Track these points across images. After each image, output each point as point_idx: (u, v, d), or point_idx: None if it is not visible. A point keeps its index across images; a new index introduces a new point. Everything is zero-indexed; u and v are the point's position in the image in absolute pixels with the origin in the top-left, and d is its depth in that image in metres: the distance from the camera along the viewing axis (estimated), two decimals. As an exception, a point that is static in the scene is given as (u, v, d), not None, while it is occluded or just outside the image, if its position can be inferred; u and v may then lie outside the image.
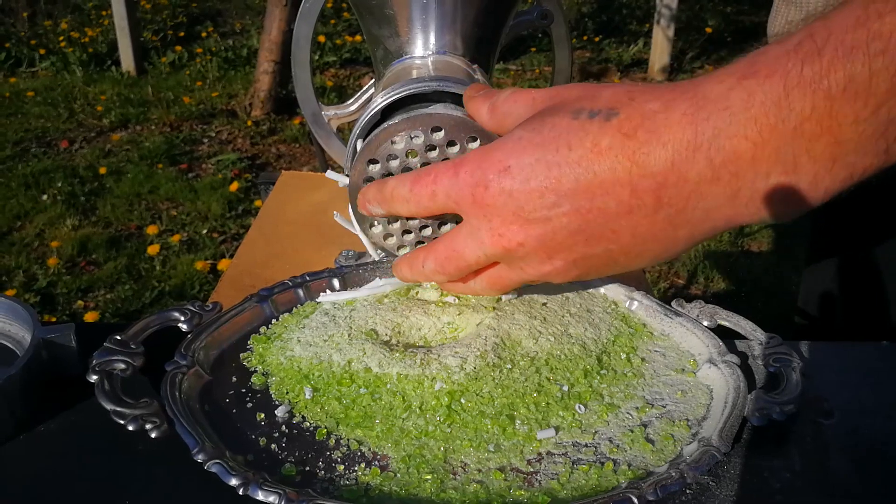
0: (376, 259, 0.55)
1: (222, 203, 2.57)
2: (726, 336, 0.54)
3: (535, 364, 0.49)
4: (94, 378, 0.47)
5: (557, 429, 0.46)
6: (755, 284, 2.04)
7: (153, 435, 0.43)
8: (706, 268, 2.11)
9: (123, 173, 2.81)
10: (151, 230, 2.38)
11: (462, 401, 0.47)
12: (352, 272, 0.60)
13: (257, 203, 2.49)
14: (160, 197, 2.64)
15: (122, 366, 0.48)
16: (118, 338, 0.50)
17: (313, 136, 0.80)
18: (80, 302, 2.04)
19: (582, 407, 0.47)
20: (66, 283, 2.12)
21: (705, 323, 0.55)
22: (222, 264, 2.16)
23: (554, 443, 0.45)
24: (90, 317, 1.95)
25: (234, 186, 2.66)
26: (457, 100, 0.53)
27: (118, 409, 0.44)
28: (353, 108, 0.82)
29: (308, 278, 0.59)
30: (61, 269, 2.18)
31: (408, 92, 0.51)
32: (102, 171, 2.81)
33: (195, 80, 3.87)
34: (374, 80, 0.74)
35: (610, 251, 0.42)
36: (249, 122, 3.29)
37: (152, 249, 2.26)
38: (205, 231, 2.41)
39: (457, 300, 0.55)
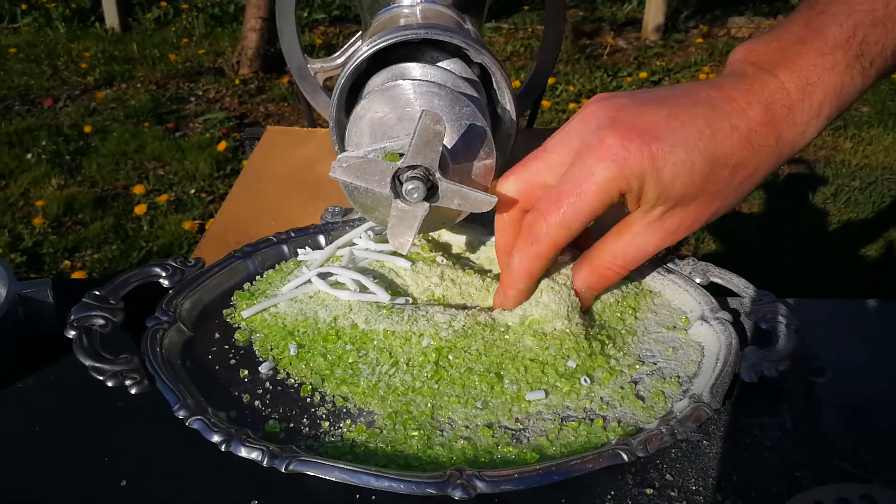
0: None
1: (210, 163, 2.53)
2: (718, 293, 0.53)
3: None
4: (72, 334, 0.45)
5: (547, 392, 0.45)
6: (745, 246, 2.04)
7: (133, 391, 0.42)
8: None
9: (109, 132, 2.76)
10: (138, 190, 2.34)
11: (450, 357, 0.46)
12: (338, 228, 0.59)
13: (245, 163, 2.46)
14: (147, 156, 2.60)
15: (102, 321, 0.47)
16: (97, 293, 0.49)
17: (299, 90, 0.78)
18: (66, 262, 2.02)
19: (587, 379, 0.45)
20: (52, 242, 2.09)
21: (697, 280, 0.54)
22: (210, 224, 2.14)
23: (544, 403, 0.44)
24: (77, 277, 1.93)
25: (223, 146, 2.62)
26: (444, 49, 0.51)
27: (97, 364, 0.43)
28: (339, 60, 0.79)
29: (293, 234, 0.58)
30: (47, 229, 2.15)
31: (395, 40, 0.49)
32: (87, 129, 2.76)
33: (181, 36, 3.79)
34: (361, 31, 0.72)
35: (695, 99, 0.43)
36: (237, 81, 3.23)
37: (139, 209, 2.23)
38: (192, 191, 2.38)
39: (444, 260, 0.54)
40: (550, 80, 3.06)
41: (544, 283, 0.49)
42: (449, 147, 0.46)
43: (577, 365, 0.46)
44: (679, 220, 0.45)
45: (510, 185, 0.47)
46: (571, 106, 2.88)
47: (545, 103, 2.86)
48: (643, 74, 3.18)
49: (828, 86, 0.42)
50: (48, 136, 2.69)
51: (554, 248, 0.45)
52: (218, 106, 3.07)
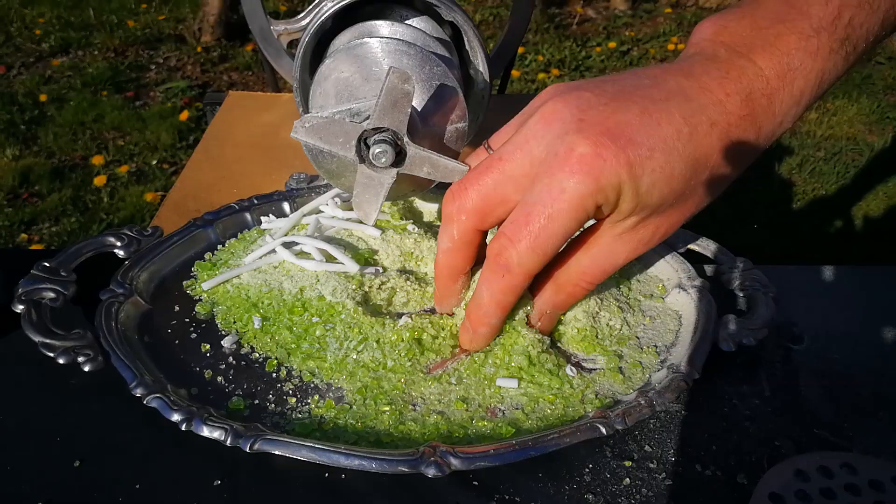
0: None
1: (172, 133, 2.46)
2: (695, 261, 0.52)
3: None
4: (20, 308, 0.43)
5: (520, 381, 0.42)
6: (712, 216, 2.05)
7: (87, 368, 0.40)
8: (666, 199, 2.11)
9: (66, 101, 2.67)
10: (97, 160, 2.27)
11: (423, 337, 0.44)
12: (303, 195, 0.56)
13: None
14: (106, 126, 2.52)
15: (52, 295, 0.44)
16: (47, 265, 0.46)
17: (262, 54, 0.75)
18: (23, 235, 1.96)
19: (573, 369, 0.43)
20: (7, 215, 2.02)
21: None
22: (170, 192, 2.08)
23: (520, 392, 0.42)
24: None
25: (185, 115, 2.55)
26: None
27: (47, 341, 0.41)
28: (304, 22, 0.76)
29: (256, 202, 0.55)
30: (2, 201, 2.07)
31: (361, -5, 0.47)
32: (43, 98, 2.66)
33: (140, 2, 3.67)
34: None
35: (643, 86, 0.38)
36: (199, 49, 3.14)
37: (99, 180, 2.16)
38: (154, 162, 2.32)
39: (416, 228, 0.52)
40: (520, 50, 3.02)
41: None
42: (419, 109, 0.44)
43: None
44: (654, 229, 0.40)
45: (465, 201, 0.40)
46: (540, 76, 2.86)
47: (514, 73, 2.83)
48: (612, 44, 3.16)
49: (810, 72, 0.38)
50: (1, 104, 2.60)
51: (528, 278, 0.40)
52: (179, 74, 2.98)
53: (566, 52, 3.07)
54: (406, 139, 0.41)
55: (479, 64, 0.50)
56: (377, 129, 0.41)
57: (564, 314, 0.45)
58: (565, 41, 3.20)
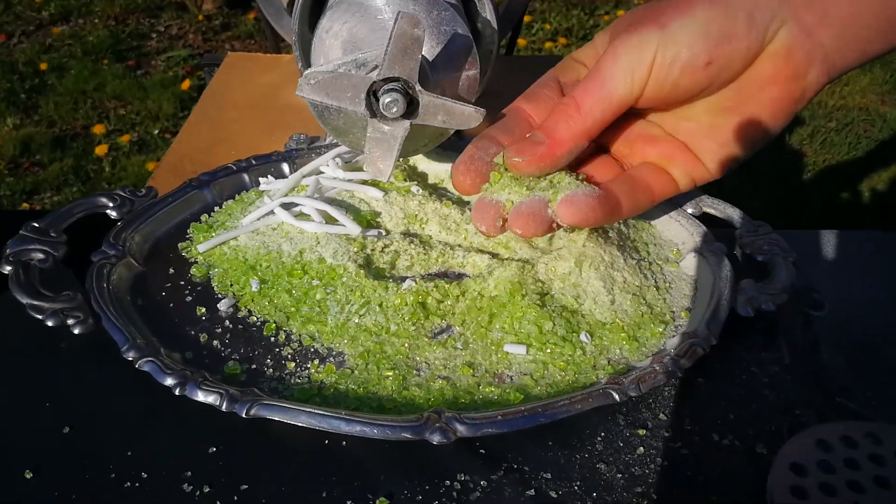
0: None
1: (174, 102, 2.43)
2: (711, 225, 0.50)
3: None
4: (7, 269, 0.41)
5: (529, 347, 0.40)
6: (722, 187, 2.02)
7: (76, 331, 0.38)
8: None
9: (66, 69, 2.64)
10: (98, 130, 2.25)
11: (428, 301, 0.42)
12: (303, 156, 0.54)
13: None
14: (107, 95, 2.49)
15: (41, 256, 0.42)
16: (36, 225, 0.44)
17: (262, 14, 0.72)
18: (25, 205, 1.94)
19: (588, 335, 0.41)
20: (9, 185, 2.00)
21: (689, 210, 0.50)
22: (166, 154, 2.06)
23: (529, 359, 0.40)
24: (36, 220, 1.86)
25: (187, 84, 2.52)
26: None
27: (35, 302, 0.39)
28: (304, -22, 0.73)
29: (254, 162, 0.53)
30: (3, 171, 2.06)
31: (363, -59, 0.44)
32: (43, 66, 2.63)
33: (141, -30, 3.61)
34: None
35: None
36: (201, 17, 3.10)
37: (100, 150, 2.14)
38: (156, 131, 2.29)
39: (420, 190, 0.50)
40: (526, 19, 2.97)
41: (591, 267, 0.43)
42: (429, 58, 0.41)
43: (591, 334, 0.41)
44: (654, 26, 0.36)
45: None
46: (547, 45, 2.81)
47: (521, 42, 2.79)
48: (620, 12, 3.11)
49: None
50: (2, 73, 2.57)
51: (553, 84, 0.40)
52: (181, 43, 2.94)
53: (574, 21, 3.01)
54: (418, 87, 0.39)
55: (487, 14, 0.47)
56: (387, 80, 0.38)
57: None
58: (573, 9, 3.14)
